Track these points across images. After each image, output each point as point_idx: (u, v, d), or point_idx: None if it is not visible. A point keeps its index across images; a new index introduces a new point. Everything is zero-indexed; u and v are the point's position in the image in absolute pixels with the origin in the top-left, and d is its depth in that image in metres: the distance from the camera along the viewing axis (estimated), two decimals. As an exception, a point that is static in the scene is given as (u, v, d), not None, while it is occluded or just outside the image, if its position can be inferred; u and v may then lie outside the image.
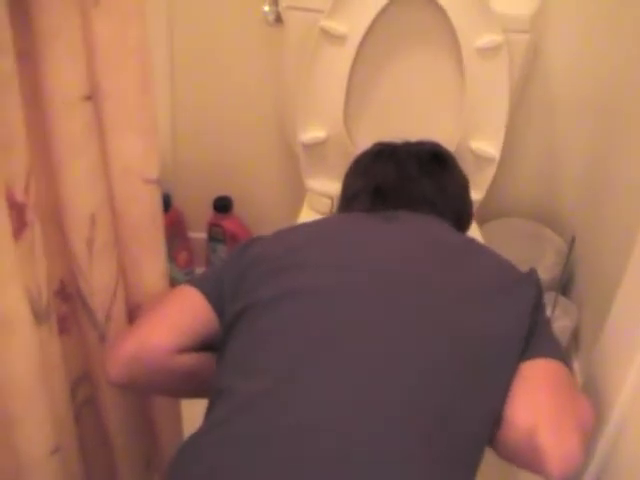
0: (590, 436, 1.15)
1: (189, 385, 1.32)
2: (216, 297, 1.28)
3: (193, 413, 1.57)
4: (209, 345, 1.29)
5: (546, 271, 2.24)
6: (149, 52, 1.17)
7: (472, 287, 1.20)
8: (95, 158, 1.16)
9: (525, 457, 1.10)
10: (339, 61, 1.88)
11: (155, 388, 1.34)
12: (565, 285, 2.34)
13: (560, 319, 2.15)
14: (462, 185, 1.56)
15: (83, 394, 1.41)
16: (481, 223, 2.22)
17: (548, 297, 2.05)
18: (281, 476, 0.98)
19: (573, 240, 2.21)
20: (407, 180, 1.46)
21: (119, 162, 1.22)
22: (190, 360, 1.28)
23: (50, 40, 1.02)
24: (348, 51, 1.86)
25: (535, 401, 1.12)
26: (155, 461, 1.60)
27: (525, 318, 1.18)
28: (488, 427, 1.10)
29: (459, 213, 1.47)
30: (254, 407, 1.05)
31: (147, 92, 1.19)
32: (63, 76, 1.06)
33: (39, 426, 1.13)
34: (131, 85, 1.17)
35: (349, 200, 1.51)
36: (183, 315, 1.29)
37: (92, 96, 1.12)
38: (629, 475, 1.09)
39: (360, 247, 1.27)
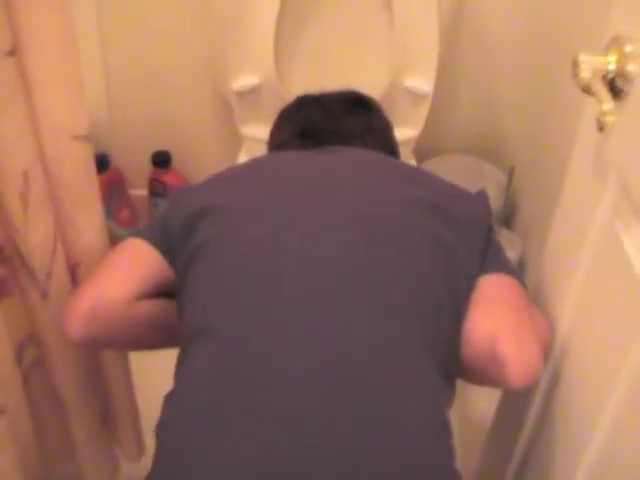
0: (548, 349, 1.17)
1: (150, 333, 1.31)
2: (164, 245, 1.28)
3: (142, 367, 1.58)
4: (164, 293, 1.29)
5: (488, 204, 2.25)
6: (70, 6, 1.14)
7: (429, 199, 1.22)
8: (22, 114, 1.14)
9: (487, 370, 1.12)
10: (267, 4, 1.87)
11: (116, 342, 1.32)
12: (508, 218, 2.36)
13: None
14: (387, 124, 1.57)
15: (31, 355, 1.39)
16: (420, 161, 2.23)
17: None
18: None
19: (512, 170, 2.22)
20: (335, 119, 1.48)
21: (46, 119, 1.19)
22: (148, 306, 1.27)
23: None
24: (275, -6, 1.84)
25: (493, 313, 1.15)
26: (109, 417, 1.60)
27: (480, 233, 1.22)
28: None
29: (388, 151, 1.47)
30: (240, 345, 1.05)
31: (69, 47, 1.17)
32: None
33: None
34: (52, 40, 1.15)
35: (278, 148, 1.51)
36: (134, 264, 1.28)
37: (14, 52, 1.10)
38: (577, 385, 1.12)
39: (303, 173, 1.28)
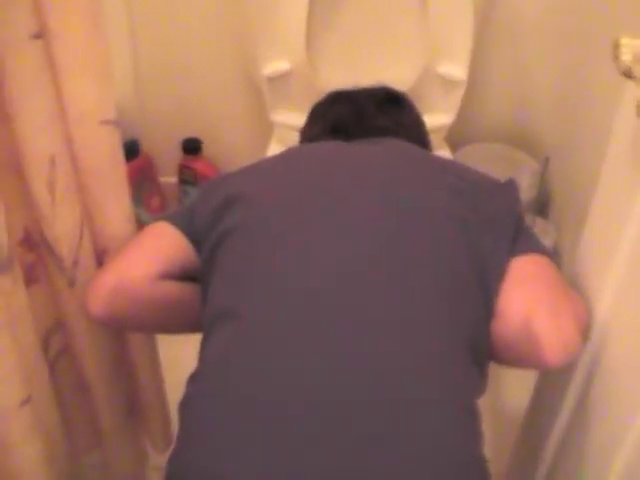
0: (586, 329, 1.14)
1: (173, 315, 1.31)
2: (190, 231, 1.28)
3: (171, 356, 1.57)
4: (188, 277, 1.29)
5: (522, 194, 2.23)
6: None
7: (458, 187, 1.22)
8: (50, 98, 1.13)
9: (522, 348, 1.10)
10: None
11: (138, 322, 1.32)
12: (542, 207, 2.33)
13: (538, 240, 2.14)
14: (418, 120, 1.57)
15: (58, 343, 1.39)
16: (453, 149, 2.21)
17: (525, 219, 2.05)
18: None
19: (547, 161, 2.19)
20: (365, 116, 1.48)
21: (74, 103, 1.18)
22: (172, 287, 1.28)
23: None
24: (307, -21, 1.82)
25: (528, 290, 1.14)
26: (137, 407, 1.59)
27: (509, 221, 1.21)
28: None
29: (419, 145, 1.46)
30: (264, 330, 1.05)
31: (97, 30, 1.15)
32: (8, 14, 1.02)
33: (7, 378, 1.11)
34: (80, 23, 1.13)
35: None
36: (159, 244, 1.29)
37: (41, 35, 1.08)
38: (617, 373, 1.09)
39: (335, 162, 1.28)
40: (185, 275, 1.29)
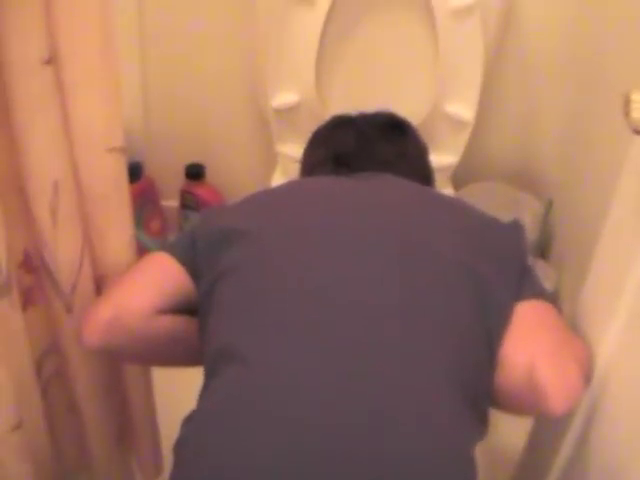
0: (589, 372, 1.14)
1: (169, 349, 1.30)
2: (190, 262, 1.27)
3: (165, 387, 1.56)
4: (185, 310, 1.28)
5: (524, 235, 2.22)
6: (110, 15, 1.13)
7: (462, 230, 1.22)
8: (57, 124, 1.13)
9: (525, 397, 1.09)
10: (310, 23, 1.85)
11: (134, 354, 1.31)
12: (543, 249, 2.33)
13: (539, 283, 2.13)
14: (422, 149, 1.55)
15: (51, 366, 1.38)
16: (457, 188, 2.21)
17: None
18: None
19: (550, 203, 2.19)
20: (367, 145, 1.46)
21: (81, 129, 1.18)
22: (169, 321, 1.27)
23: (7, 2, 0.99)
24: (319, 13, 1.83)
25: (530, 338, 1.13)
26: (128, 433, 1.58)
27: (514, 264, 1.21)
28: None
29: (421, 178, 1.46)
30: (271, 364, 1.05)
31: (108, 56, 1.16)
32: (22, 39, 1.03)
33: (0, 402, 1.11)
34: (91, 49, 1.14)
35: (311, 171, 1.51)
36: (158, 278, 1.28)
37: (51, 60, 1.08)
38: (618, 422, 1.09)
39: (336, 201, 1.27)
40: (182, 308, 1.28)
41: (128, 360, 1.41)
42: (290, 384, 1.02)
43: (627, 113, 0.92)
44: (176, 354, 1.32)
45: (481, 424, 1.11)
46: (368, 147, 1.46)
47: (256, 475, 0.96)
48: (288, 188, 1.36)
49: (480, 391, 1.10)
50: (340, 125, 1.54)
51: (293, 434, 0.98)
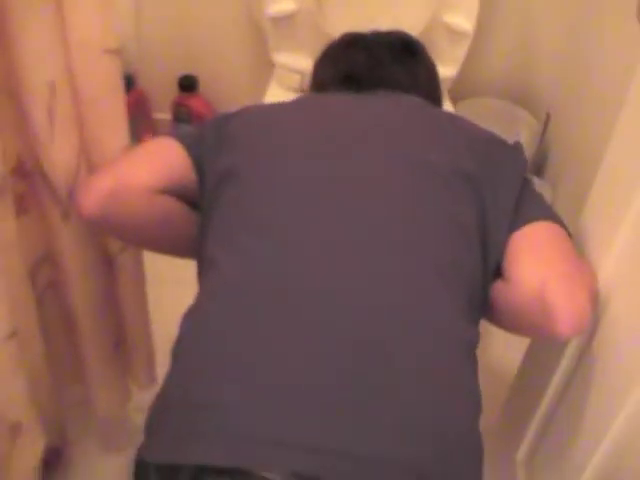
0: (595, 298, 1.13)
1: (164, 232, 1.30)
2: (196, 155, 1.27)
3: (158, 295, 1.56)
4: (184, 199, 1.28)
5: (520, 152, 2.21)
6: None
7: (466, 141, 1.22)
8: (51, 26, 1.10)
9: (534, 317, 1.09)
10: None
11: (129, 231, 1.30)
12: (539, 166, 2.32)
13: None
14: (432, 72, 1.54)
15: (46, 276, 1.38)
16: (454, 101, 2.19)
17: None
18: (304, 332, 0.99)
19: (548, 118, 2.17)
20: (379, 67, 1.45)
21: (77, 31, 1.16)
22: (168, 202, 1.26)
23: None
24: None
25: (543, 259, 1.13)
26: (121, 347, 1.58)
27: (514, 179, 1.21)
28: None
29: (431, 100, 1.45)
30: (267, 264, 1.05)
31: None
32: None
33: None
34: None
35: (320, 88, 1.49)
36: (163, 159, 1.27)
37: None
38: (618, 337, 1.09)
39: (347, 120, 1.26)
40: (182, 197, 1.27)
41: (124, 237, 1.38)
42: (289, 274, 1.04)
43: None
44: (170, 238, 1.32)
45: (474, 324, 1.12)
46: (379, 68, 1.45)
47: (257, 344, 0.97)
48: (301, 102, 1.35)
49: (476, 295, 1.11)
50: (352, 44, 1.51)
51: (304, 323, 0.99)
